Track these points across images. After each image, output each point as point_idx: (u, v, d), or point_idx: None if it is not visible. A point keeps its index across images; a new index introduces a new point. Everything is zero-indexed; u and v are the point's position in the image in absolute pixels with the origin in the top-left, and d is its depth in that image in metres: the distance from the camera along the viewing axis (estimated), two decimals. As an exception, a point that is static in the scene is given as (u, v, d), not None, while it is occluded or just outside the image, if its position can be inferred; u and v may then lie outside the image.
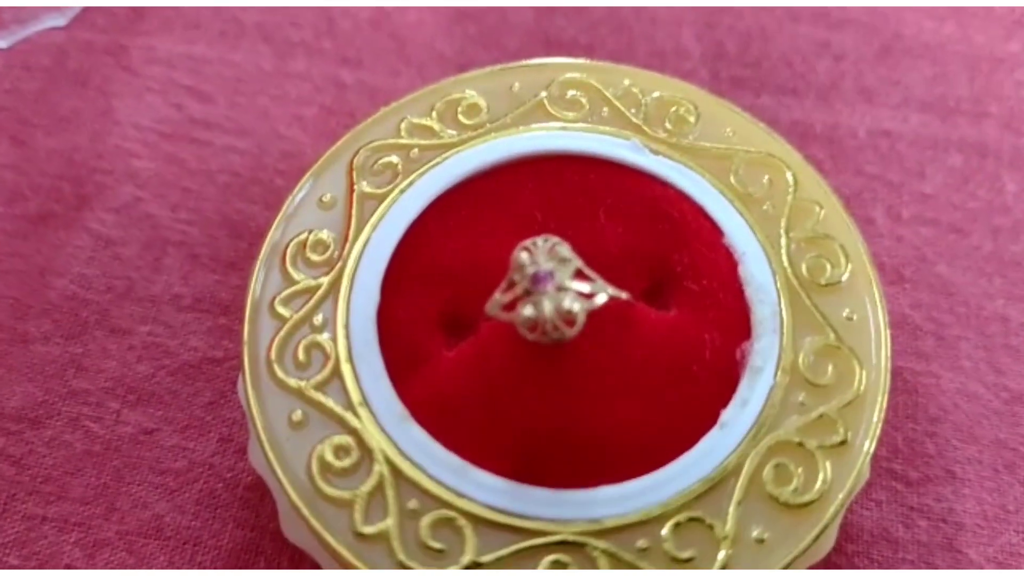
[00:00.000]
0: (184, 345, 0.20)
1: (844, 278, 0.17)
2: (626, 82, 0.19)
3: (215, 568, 0.18)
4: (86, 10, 0.23)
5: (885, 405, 0.16)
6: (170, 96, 0.22)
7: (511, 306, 0.15)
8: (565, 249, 0.15)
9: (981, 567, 0.19)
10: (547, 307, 0.15)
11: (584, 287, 0.15)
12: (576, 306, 0.15)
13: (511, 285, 0.16)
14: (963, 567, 0.19)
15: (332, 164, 0.18)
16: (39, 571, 0.17)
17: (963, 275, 0.21)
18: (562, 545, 0.15)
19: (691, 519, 0.15)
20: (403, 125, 0.18)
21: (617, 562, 0.15)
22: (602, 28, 0.24)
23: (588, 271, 0.15)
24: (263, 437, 0.15)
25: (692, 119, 0.18)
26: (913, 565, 0.19)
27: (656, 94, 0.18)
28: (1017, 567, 0.19)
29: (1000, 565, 0.19)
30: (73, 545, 0.18)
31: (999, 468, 0.20)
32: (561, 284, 0.15)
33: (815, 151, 0.22)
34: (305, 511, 0.15)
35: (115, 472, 0.19)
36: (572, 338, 0.15)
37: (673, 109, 0.18)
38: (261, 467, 0.16)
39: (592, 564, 0.15)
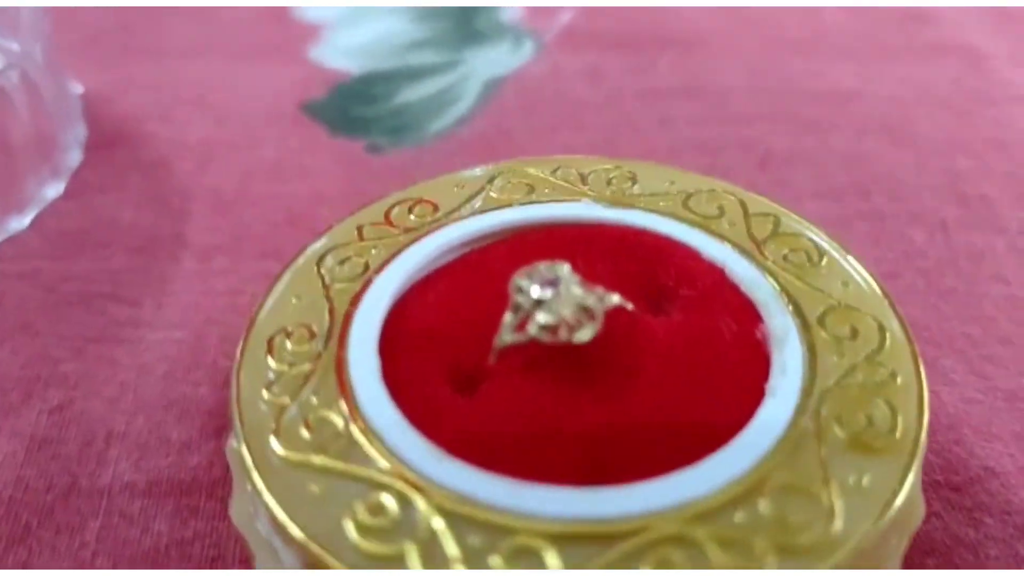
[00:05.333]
0: (147, 531, 0.17)
1: (824, 262, 0.17)
2: (558, 168, 0.19)
3: None
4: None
5: (916, 349, 0.16)
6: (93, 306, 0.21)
7: (521, 328, 0.15)
8: (563, 268, 0.15)
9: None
10: (564, 308, 0.14)
11: (591, 294, 0.15)
12: (593, 302, 0.15)
13: (516, 309, 0.15)
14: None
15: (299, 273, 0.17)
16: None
17: (913, 310, 0.22)
18: (661, 541, 0.13)
19: (782, 485, 0.13)
20: (363, 230, 0.18)
21: (730, 546, 0.13)
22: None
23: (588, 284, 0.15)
24: (287, 521, 0.13)
25: (630, 183, 0.19)
26: (997, 562, 0.17)
27: (591, 169, 0.19)
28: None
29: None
30: None
31: (1030, 458, 0.19)
32: (569, 289, 0.15)
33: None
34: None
35: None
36: (590, 340, 0.14)
37: (611, 176, 0.19)
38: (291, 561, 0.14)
39: (704, 554, 0.13)
